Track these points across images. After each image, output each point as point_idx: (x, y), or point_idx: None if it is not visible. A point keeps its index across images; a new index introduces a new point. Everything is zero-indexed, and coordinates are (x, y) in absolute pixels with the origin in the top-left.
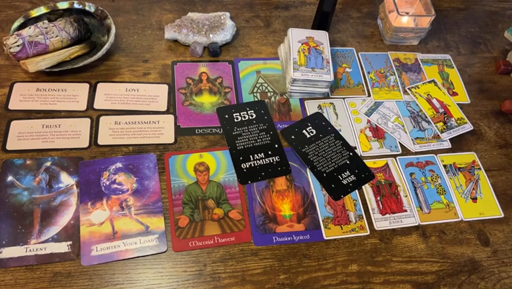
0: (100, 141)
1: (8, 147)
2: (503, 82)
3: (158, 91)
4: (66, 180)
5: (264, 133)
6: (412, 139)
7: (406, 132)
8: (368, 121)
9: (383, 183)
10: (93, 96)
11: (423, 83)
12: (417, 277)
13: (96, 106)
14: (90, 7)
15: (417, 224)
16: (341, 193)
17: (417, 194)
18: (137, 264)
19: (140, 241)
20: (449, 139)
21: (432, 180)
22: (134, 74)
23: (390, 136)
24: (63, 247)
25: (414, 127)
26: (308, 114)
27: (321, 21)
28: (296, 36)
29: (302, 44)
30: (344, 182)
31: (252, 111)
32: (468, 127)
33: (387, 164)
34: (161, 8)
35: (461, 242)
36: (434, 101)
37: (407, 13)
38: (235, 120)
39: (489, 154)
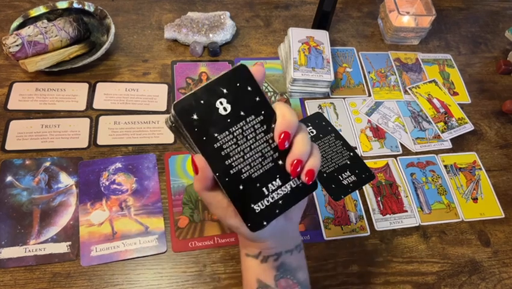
0: (99, 141)
1: (7, 147)
2: (504, 82)
3: (157, 91)
4: (65, 180)
5: None
6: (412, 140)
7: (406, 132)
8: (369, 121)
9: (383, 183)
10: (93, 95)
11: (423, 83)
12: (417, 278)
13: (96, 106)
14: (90, 7)
15: (417, 224)
16: (341, 193)
17: (417, 195)
18: (136, 264)
19: (140, 242)
20: (450, 139)
21: (432, 180)
22: (134, 74)
23: (391, 137)
24: (62, 247)
25: (414, 127)
26: (308, 114)
27: (321, 21)
28: (296, 36)
29: (302, 43)
30: (345, 182)
31: None
32: (469, 127)
33: (387, 164)
34: (161, 8)
35: (461, 243)
36: (435, 101)
37: (408, 13)
38: None
39: (490, 154)
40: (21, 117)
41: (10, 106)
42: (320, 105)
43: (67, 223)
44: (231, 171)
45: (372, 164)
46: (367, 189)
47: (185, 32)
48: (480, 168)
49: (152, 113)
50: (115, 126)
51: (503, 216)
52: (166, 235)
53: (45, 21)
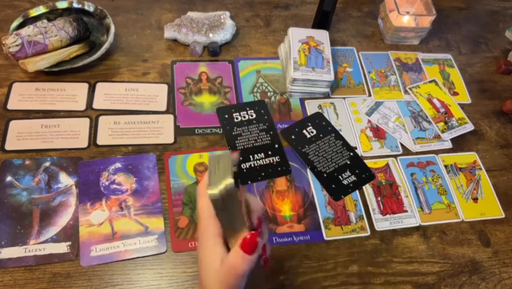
0: (99, 141)
1: (7, 147)
2: (504, 81)
3: (157, 91)
4: (65, 180)
5: (264, 133)
6: (413, 140)
7: (406, 132)
8: (369, 121)
9: (383, 183)
10: (92, 95)
11: (423, 83)
12: (417, 278)
13: (95, 106)
14: (89, 6)
15: (417, 224)
16: (341, 193)
17: (417, 195)
18: (136, 264)
19: (140, 242)
20: (450, 139)
21: (433, 180)
22: (134, 74)
23: (391, 136)
24: (62, 247)
25: (414, 127)
26: (308, 114)
27: (321, 21)
28: (296, 35)
29: (302, 43)
30: (345, 182)
31: (252, 111)
32: (469, 127)
33: (387, 164)
34: (161, 8)
35: (461, 243)
36: (435, 101)
37: (408, 12)
38: (235, 120)
39: (490, 154)
40: (21, 117)
41: (10, 106)
42: (320, 105)
43: (66, 223)
44: None
45: (372, 164)
46: (367, 189)
47: (185, 32)
48: (480, 168)
49: (152, 113)
50: (115, 126)
51: (504, 216)
52: (166, 235)
53: (45, 21)
